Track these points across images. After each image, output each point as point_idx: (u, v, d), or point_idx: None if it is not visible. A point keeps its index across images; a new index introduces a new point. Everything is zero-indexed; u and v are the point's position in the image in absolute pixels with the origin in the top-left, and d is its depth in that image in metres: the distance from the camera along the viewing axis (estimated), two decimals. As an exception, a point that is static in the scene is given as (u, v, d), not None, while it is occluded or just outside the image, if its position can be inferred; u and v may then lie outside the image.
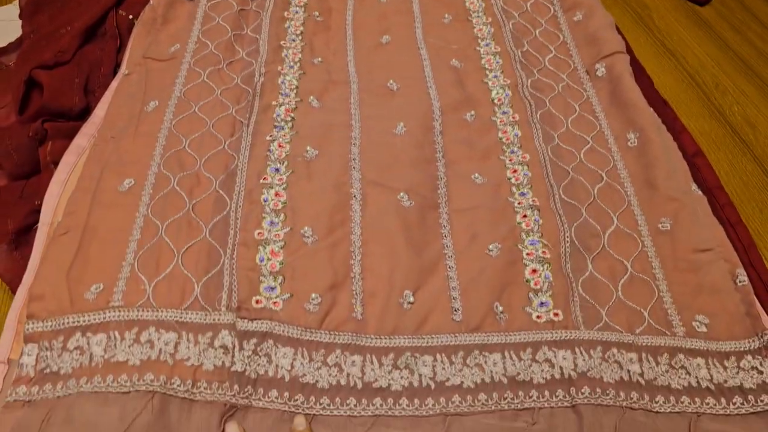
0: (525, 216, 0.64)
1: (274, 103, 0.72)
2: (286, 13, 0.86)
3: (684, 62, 0.96)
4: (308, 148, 0.66)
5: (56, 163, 0.64)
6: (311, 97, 0.73)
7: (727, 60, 0.97)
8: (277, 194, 0.61)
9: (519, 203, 0.65)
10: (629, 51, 0.89)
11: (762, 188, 0.79)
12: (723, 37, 1.02)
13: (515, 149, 0.71)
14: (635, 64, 0.87)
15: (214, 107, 0.71)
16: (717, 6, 1.08)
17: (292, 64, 0.78)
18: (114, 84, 0.75)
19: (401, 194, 0.63)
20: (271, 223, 0.59)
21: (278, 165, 0.64)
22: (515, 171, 0.69)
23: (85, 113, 0.74)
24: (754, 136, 0.86)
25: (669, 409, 0.52)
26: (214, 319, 0.53)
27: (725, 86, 0.93)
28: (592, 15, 0.88)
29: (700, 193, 0.69)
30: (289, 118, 0.70)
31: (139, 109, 0.70)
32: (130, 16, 0.86)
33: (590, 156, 0.72)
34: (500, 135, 0.73)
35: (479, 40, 0.85)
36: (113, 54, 0.83)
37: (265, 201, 0.60)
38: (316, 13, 0.87)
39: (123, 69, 0.76)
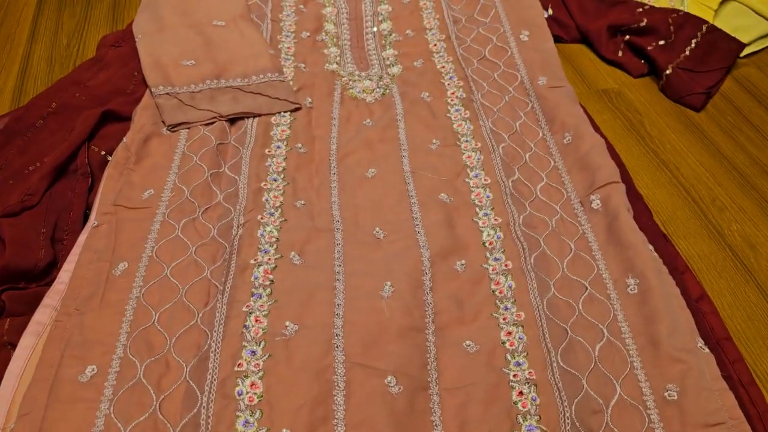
0: (521, 393, 0.59)
1: (252, 261, 0.67)
2: (267, 150, 0.83)
3: (678, 174, 0.93)
4: (288, 323, 0.61)
5: (13, 345, 0.59)
6: (292, 253, 0.69)
7: (722, 171, 0.94)
8: (252, 385, 0.56)
9: (514, 376, 0.61)
10: (621, 166, 0.87)
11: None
12: (716, 143, 0.99)
13: (509, 305, 0.67)
14: (631, 190, 0.84)
15: (187, 269, 0.67)
16: (707, 108, 1.06)
17: (272, 210, 0.74)
18: (82, 237, 0.70)
19: (389, 378, 0.58)
20: (246, 423, 0.54)
21: (254, 347, 0.59)
22: (509, 333, 0.65)
23: (51, 267, 0.70)
24: (755, 260, 0.83)
25: None
26: None
27: (722, 201, 0.90)
28: (581, 137, 0.86)
29: (707, 350, 0.65)
30: (267, 282, 0.65)
31: (107, 273, 0.65)
32: (103, 152, 0.83)
33: (589, 306, 0.68)
34: (493, 287, 0.69)
35: (468, 170, 0.82)
36: (84, 195, 0.79)
37: (239, 395, 0.55)
38: (299, 145, 0.84)
39: (92, 219, 0.72)
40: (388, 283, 0.66)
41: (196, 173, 0.77)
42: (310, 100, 0.91)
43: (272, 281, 0.66)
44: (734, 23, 1.13)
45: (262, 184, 0.78)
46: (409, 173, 0.80)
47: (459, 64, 0.98)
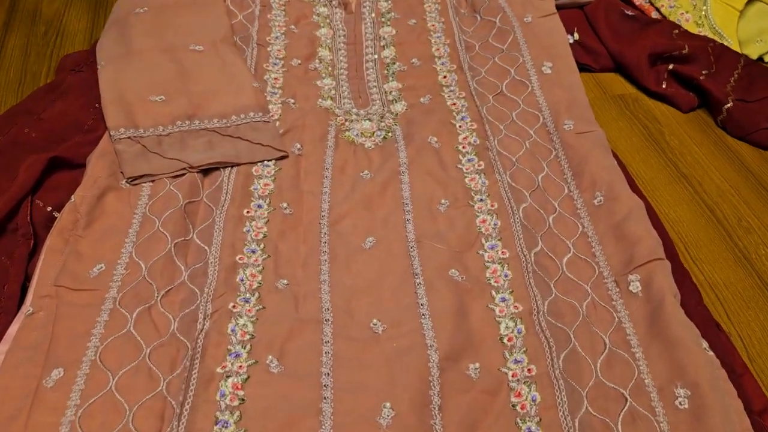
0: None
1: (219, 370, 0.54)
2: (245, 211, 0.70)
3: (701, 190, 0.84)
4: (260, 467, 0.49)
5: None
6: (270, 357, 0.56)
7: (747, 186, 0.85)
8: None
9: None
10: (635, 188, 0.77)
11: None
12: (741, 156, 0.89)
13: (533, 426, 0.55)
14: (674, 261, 0.71)
15: (138, 380, 0.53)
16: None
17: (248, 295, 0.61)
18: (13, 328, 0.58)
19: None
20: None
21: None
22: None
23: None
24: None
25: None
26: None
27: (749, 222, 0.80)
28: (616, 198, 0.73)
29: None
30: (236, 402, 0.52)
31: (37, 383, 0.52)
32: (49, 208, 0.70)
33: (630, 428, 0.56)
34: (513, 399, 0.57)
35: (483, 239, 0.69)
36: (23, 263, 0.65)
37: None
38: (284, 205, 0.71)
39: (27, 303, 0.59)
40: (388, 404, 0.53)
41: (158, 243, 0.64)
42: (299, 146, 0.77)
43: (243, 400, 0.53)
44: (760, 25, 1.03)
45: (238, 258, 0.65)
46: (414, 243, 0.68)
47: (473, 100, 0.85)
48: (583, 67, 0.97)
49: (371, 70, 0.90)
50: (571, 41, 1.00)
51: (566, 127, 0.82)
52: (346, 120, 0.82)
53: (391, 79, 0.88)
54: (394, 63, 0.91)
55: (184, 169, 0.72)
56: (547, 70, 0.90)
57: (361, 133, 0.80)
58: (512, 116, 0.83)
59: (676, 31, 1.01)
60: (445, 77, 0.89)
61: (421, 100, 0.85)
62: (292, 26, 0.95)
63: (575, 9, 1.08)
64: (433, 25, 0.97)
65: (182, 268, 0.63)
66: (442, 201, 0.73)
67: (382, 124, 0.81)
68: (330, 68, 0.89)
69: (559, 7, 1.03)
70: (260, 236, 0.67)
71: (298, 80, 0.86)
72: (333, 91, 0.86)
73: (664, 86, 0.96)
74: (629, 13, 1.04)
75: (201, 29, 0.90)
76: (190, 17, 0.92)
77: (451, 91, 0.87)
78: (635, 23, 1.03)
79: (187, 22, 0.91)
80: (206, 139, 0.76)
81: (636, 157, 0.88)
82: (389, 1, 1.01)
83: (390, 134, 0.80)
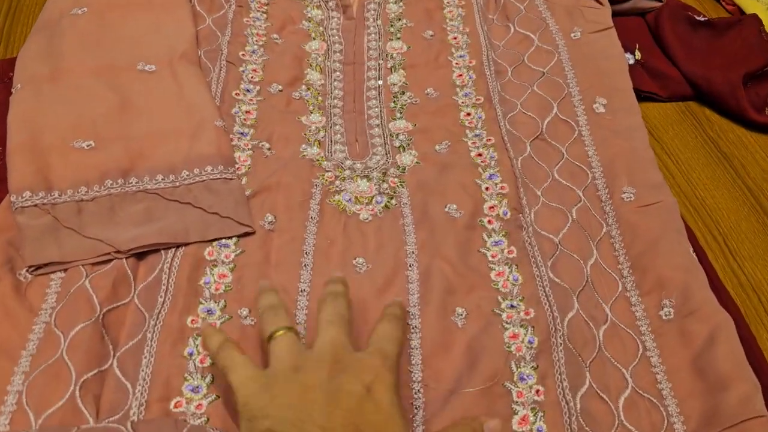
0: None
1: None
2: (190, 320, 0.50)
3: (744, 174, 0.71)
4: None
5: None
6: None
7: None
8: None
9: None
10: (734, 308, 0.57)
11: None
12: None
13: None
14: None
15: None
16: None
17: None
18: None
19: None
20: None
21: None
22: None
23: None
24: None
25: None
26: None
27: None
28: (693, 312, 0.52)
29: None
30: None
31: None
32: None
33: None
34: None
35: (514, 365, 0.50)
36: None
37: None
38: (244, 312, 0.52)
39: None
40: None
41: (59, 381, 0.45)
42: (271, 217, 0.57)
43: None
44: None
45: (173, 404, 0.46)
46: (419, 387, 0.49)
47: (504, 150, 0.64)
48: (647, 97, 0.76)
49: (374, 101, 0.69)
50: (631, 62, 0.78)
51: (625, 196, 0.61)
52: (336, 177, 0.61)
53: (398, 115, 0.67)
54: (403, 93, 0.69)
55: (109, 254, 0.53)
56: (599, 108, 0.69)
57: (356, 197, 0.60)
58: (553, 174, 0.63)
59: (764, 31, 0.78)
60: (468, 115, 0.68)
61: (437, 148, 0.64)
62: (275, 35, 0.74)
63: (636, 16, 0.86)
64: (455, 39, 0.75)
65: (90, 419, 0.44)
66: (459, 311, 0.53)
67: (384, 185, 0.61)
68: (320, 98, 0.68)
69: (616, 14, 0.81)
70: (207, 363, 0.48)
71: (277, 115, 0.65)
72: (322, 133, 0.65)
73: None
74: (700, 18, 0.82)
75: (155, 39, 0.69)
76: (143, 21, 0.70)
77: (476, 135, 0.66)
78: (710, 31, 0.80)
79: (138, 29, 0.69)
80: (144, 205, 0.56)
81: (669, 132, 0.74)
82: (400, 4, 0.79)
83: (394, 201, 0.60)
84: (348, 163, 0.62)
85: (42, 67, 0.65)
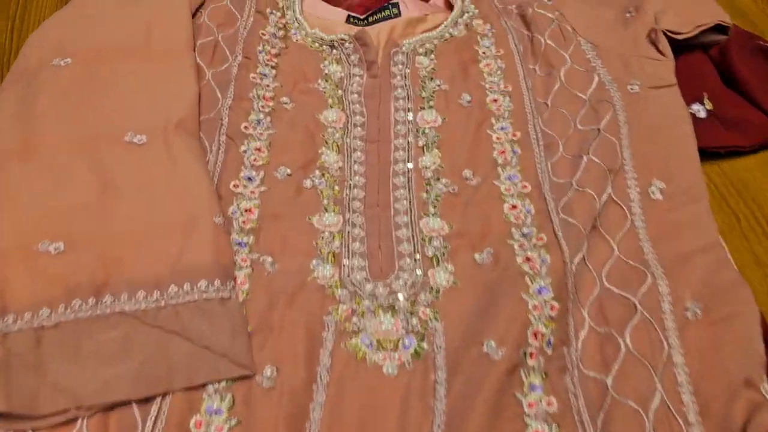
0: None
1: None
2: None
3: None
4: None
5: None
6: None
7: None
8: None
9: None
10: None
11: None
12: None
13: None
14: None
15: None
16: None
17: None
18: None
19: None
20: None
21: None
22: None
23: None
24: None
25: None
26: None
27: None
28: None
29: None
30: None
31: None
32: None
33: None
34: None
35: None
36: None
37: None
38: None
39: None
40: None
41: None
42: (271, 371, 0.46)
43: None
44: None
45: None
46: None
47: (558, 250, 0.53)
48: (705, 153, 0.63)
49: (402, 191, 0.58)
50: (702, 115, 0.66)
51: (689, 312, 0.49)
52: (353, 312, 0.50)
53: (432, 211, 0.56)
54: (438, 179, 0.58)
55: (68, 413, 0.42)
56: (656, 194, 0.57)
57: (378, 341, 0.48)
58: (602, 281, 0.52)
59: None
60: (514, 208, 0.57)
61: (477, 258, 0.53)
62: (284, 99, 0.63)
63: (699, 52, 0.72)
64: (495, 102, 0.64)
65: None
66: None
67: (414, 320, 0.50)
68: (336, 188, 0.57)
69: (675, 49, 0.69)
70: None
71: (283, 212, 0.55)
72: (337, 242, 0.54)
73: None
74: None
75: (150, 101, 0.57)
76: (138, 76, 0.59)
77: (525, 237, 0.55)
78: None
79: (130, 86, 0.58)
80: (120, 332, 0.45)
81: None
82: (431, 57, 0.67)
83: (426, 345, 0.48)
84: (368, 288, 0.51)
85: (11, 135, 0.54)
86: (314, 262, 0.52)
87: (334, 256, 0.53)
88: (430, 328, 0.49)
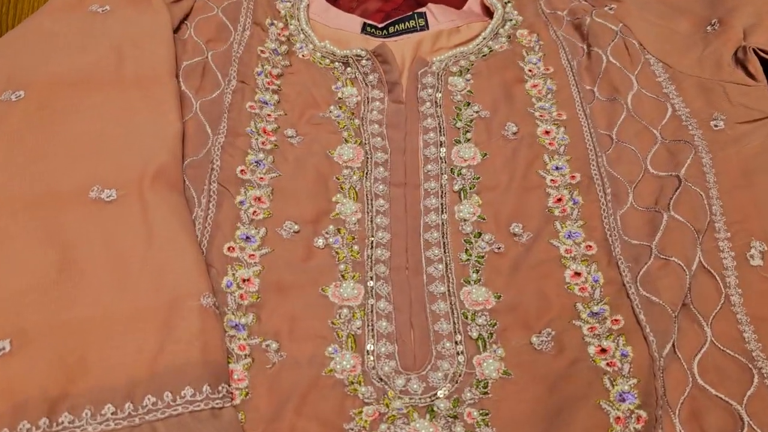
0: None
1: None
2: None
3: None
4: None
5: None
6: None
7: None
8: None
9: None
10: None
11: None
12: None
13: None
14: None
15: None
16: None
17: None
18: None
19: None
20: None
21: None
22: None
23: None
24: None
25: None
26: None
27: None
28: None
29: None
30: None
31: None
32: None
33: None
34: None
35: None
36: None
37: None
38: None
39: None
40: None
41: None
42: None
43: None
44: None
45: None
46: None
47: (644, 352, 0.40)
48: None
49: (436, 250, 0.46)
50: None
51: None
52: (381, 415, 0.39)
53: (474, 276, 0.45)
54: (479, 235, 0.47)
55: None
56: (756, 258, 0.46)
57: None
58: (695, 374, 0.41)
59: None
60: (577, 275, 0.45)
61: (535, 340, 0.43)
62: (290, 132, 0.51)
63: None
64: (547, 135, 0.52)
65: None
66: None
67: (458, 426, 0.39)
68: (355, 248, 0.46)
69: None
70: None
71: (290, 281, 0.44)
72: (358, 321, 0.43)
73: None
74: None
75: (121, 144, 0.46)
76: (105, 112, 0.48)
77: (594, 315, 0.44)
78: None
79: (95, 125, 0.47)
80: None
81: None
82: (467, 76, 0.56)
83: None
84: (399, 383, 0.40)
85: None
86: (330, 348, 0.41)
87: (354, 341, 0.42)
88: (479, 433, 0.38)
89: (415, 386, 0.40)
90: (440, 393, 0.40)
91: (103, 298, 0.40)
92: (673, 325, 0.41)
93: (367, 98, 0.54)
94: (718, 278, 0.44)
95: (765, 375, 0.40)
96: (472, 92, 0.55)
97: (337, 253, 0.46)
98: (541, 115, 0.54)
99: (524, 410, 0.39)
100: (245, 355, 0.41)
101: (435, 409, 0.39)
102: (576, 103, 0.54)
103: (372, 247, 0.46)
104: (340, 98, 0.54)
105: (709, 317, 0.42)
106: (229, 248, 0.45)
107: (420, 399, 0.40)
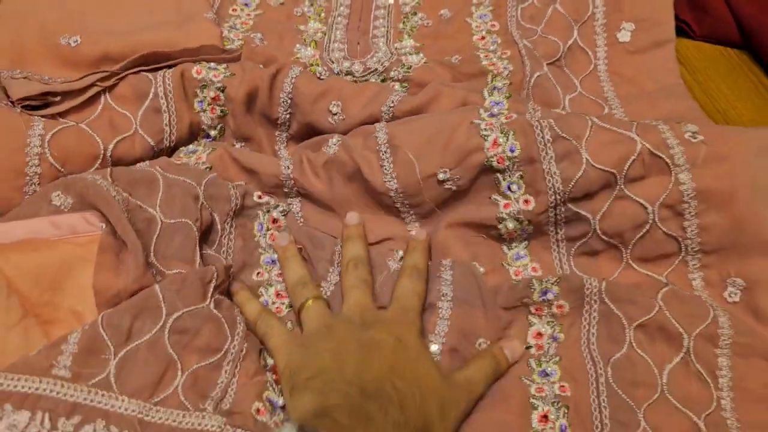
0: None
1: None
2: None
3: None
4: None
5: None
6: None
7: None
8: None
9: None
10: None
11: None
12: None
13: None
14: None
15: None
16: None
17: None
18: None
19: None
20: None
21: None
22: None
23: None
24: None
25: None
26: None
27: None
28: None
29: None
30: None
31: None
32: None
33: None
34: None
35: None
36: None
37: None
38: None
39: None
40: None
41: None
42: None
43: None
44: None
45: None
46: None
47: (520, 71, 0.57)
48: (678, 29, 0.64)
49: (381, 20, 0.63)
50: None
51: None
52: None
53: (406, 38, 0.62)
54: (415, 14, 0.64)
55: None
56: (624, 36, 0.62)
57: None
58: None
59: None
60: (482, 39, 0.62)
61: (446, 58, 0.60)
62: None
63: None
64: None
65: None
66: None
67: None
68: (322, 15, 0.64)
69: None
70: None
71: (275, 26, 0.61)
72: (319, 35, 0.62)
73: None
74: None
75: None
76: None
77: (490, 51, 0.60)
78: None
79: None
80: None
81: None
82: None
83: None
84: (345, 65, 0.59)
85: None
86: (298, 46, 0.60)
87: (316, 43, 0.60)
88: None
89: (356, 67, 0.58)
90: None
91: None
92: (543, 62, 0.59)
93: None
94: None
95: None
96: None
97: (309, 17, 0.64)
98: None
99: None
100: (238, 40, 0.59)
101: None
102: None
103: (335, 17, 0.64)
104: None
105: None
106: (232, 9, 0.63)
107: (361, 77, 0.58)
